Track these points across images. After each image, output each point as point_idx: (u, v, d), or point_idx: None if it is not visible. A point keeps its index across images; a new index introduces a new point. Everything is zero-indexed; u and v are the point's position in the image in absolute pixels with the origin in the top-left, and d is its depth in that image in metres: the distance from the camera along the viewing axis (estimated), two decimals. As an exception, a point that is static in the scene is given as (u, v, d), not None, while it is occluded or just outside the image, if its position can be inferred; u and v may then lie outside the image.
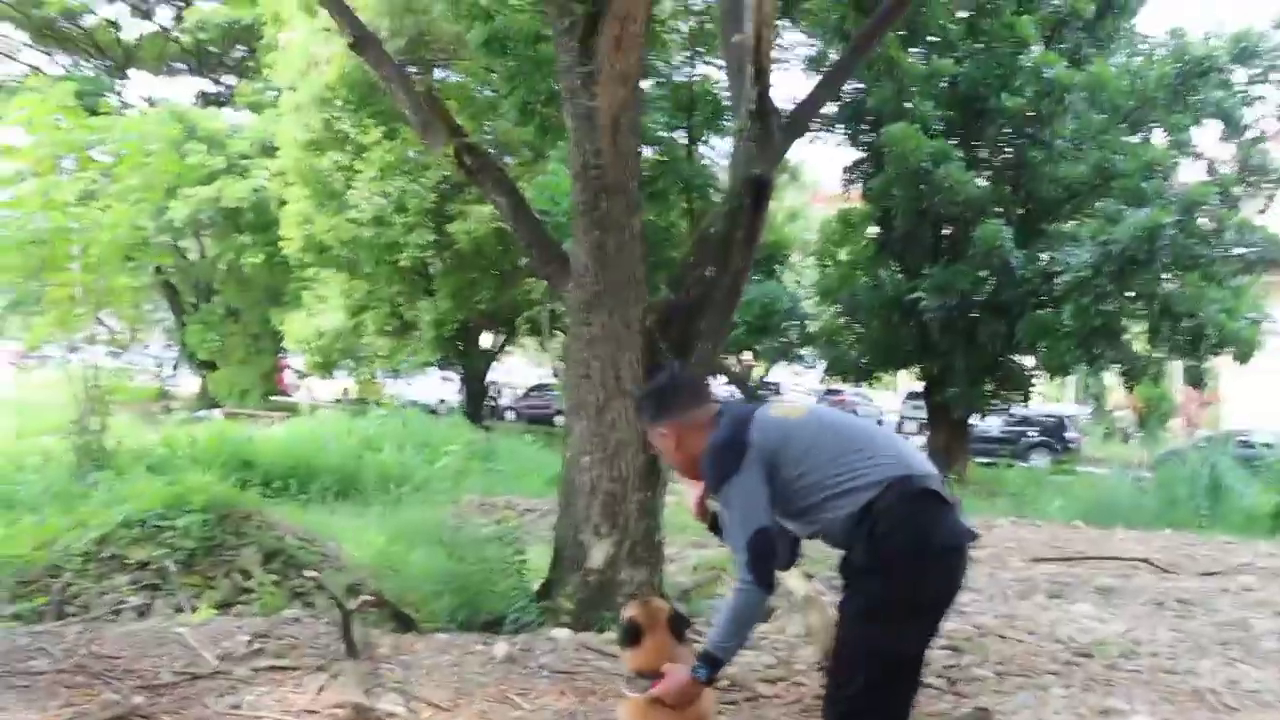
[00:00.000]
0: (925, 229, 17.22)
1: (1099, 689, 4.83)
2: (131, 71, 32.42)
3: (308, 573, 5.03)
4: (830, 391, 36.49)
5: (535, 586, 6.84)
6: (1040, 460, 25.77)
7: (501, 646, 5.05)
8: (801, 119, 7.55)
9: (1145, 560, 9.16)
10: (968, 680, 4.88)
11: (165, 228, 21.99)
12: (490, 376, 27.44)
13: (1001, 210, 16.80)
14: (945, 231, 17.51)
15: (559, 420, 30.25)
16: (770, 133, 6.94)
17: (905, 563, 2.79)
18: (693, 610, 6.03)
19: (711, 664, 2.81)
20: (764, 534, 2.81)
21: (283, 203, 22.38)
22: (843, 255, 20.60)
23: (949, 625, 5.91)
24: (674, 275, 7.29)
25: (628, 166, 6.44)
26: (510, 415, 33.56)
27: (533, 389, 35.89)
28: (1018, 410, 25.66)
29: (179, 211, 22.48)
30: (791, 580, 5.57)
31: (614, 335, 6.36)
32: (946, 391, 17.59)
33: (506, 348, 28.91)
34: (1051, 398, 41.95)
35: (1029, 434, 28.24)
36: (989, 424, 27.02)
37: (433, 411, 23.44)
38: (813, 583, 5.69)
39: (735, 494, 2.85)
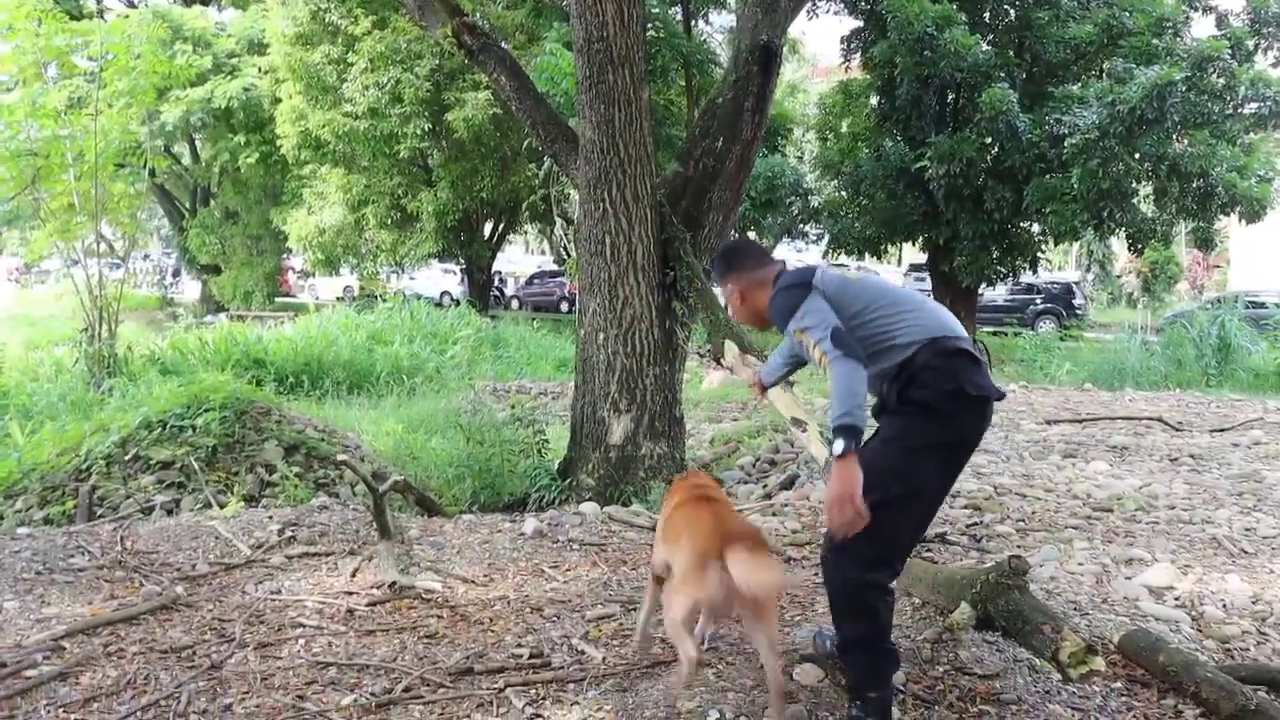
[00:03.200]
0: (929, 96, 16.87)
1: (1120, 540, 4.91)
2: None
3: (339, 457, 5.04)
4: (834, 266, 36.30)
5: (556, 466, 6.93)
6: (1048, 327, 25.82)
7: (530, 522, 5.13)
8: (806, -18, 7.33)
9: (1157, 419, 9.24)
10: (991, 537, 4.96)
11: (158, 132, 21.61)
12: (494, 266, 27.28)
13: (1007, 74, 16.44)
14: (949, 98, 17.16)
15: (564, 307, 30.28)
16: (775, -2, 6.76)
17: (938, 402, 2.91)
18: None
19: (849, 434, 2.73)
20: (840, 330, 2.90)
21: (276, 100, 21.95)
22: (844, 128, 20.27)
23: (968, 485, 6.02)
24: (682, 148, 7.18)
25: (633, 36, 6.29)
26: (515, 304, 33.60)
27: (535, 276, 35.81)
28: (1024, 278, 25.61)
29: (171, 114, 22.08)
30: (814, 447, 5.62)
31: (625, 210, 6.30)
32: (953, 260, 17.49)
33: (509, 236, 28.68)
34: (1055, 265, 41.83)
35: (1036, 302, 28.25)
36: (995, 293, 27.01)
37: (438, 304, 23.45)
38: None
39: (808, 314, 2.95)
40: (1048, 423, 9.22)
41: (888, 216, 17.90)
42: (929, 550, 4.74)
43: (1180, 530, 5.11)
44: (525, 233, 32.76)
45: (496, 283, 32.21)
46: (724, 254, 3.54)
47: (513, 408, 8.96)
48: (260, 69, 22.94)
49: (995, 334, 23.43)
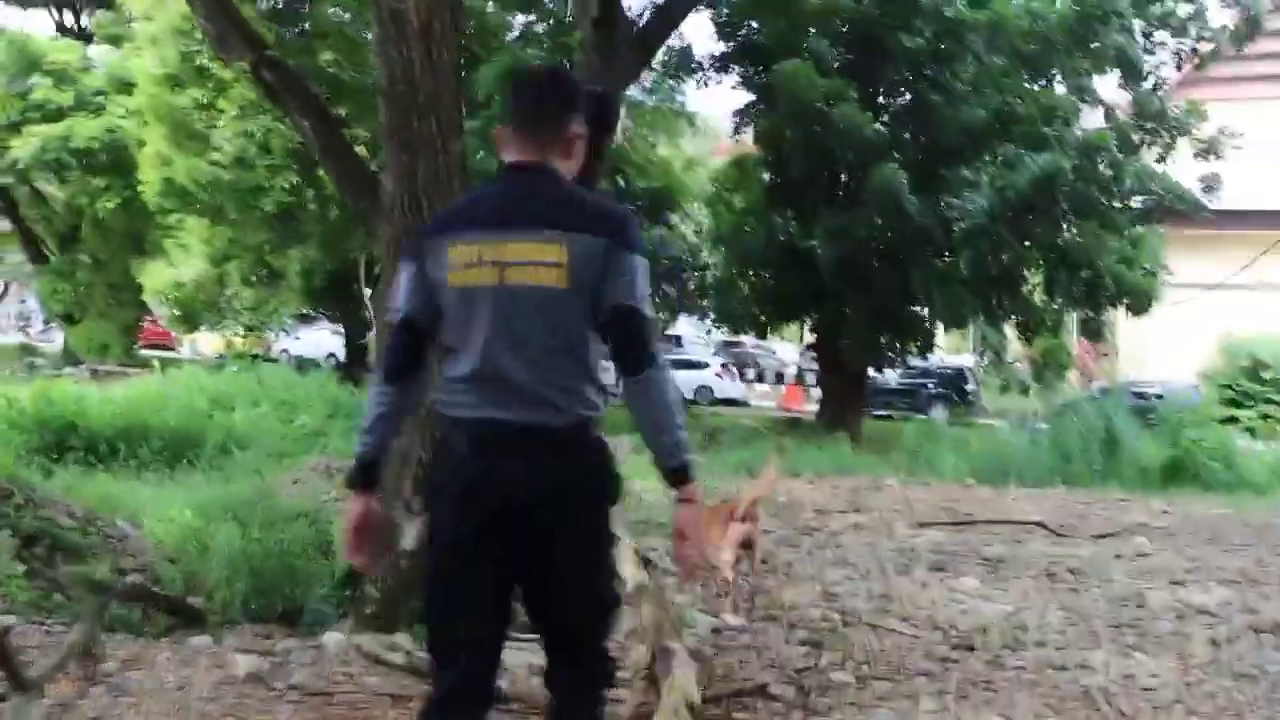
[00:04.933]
0: (820, 173, 16.43)
1: (975, 695, 4.05)
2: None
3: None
4: (729, 343, 35.87)
5: (346, 570, 5.86)
6: (940, 412, 25.50)
7: (244, 661, 4.05)
8: (655, 33, 6.61)
9: (1038, 523, 8.57)
10: (822, 688, 4.06)
11: (7, 169, 20.12)
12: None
13: (900, 156, 16.11)
14: (842, 177, 16.74)
15: None
16: (616, 46, 6.01)
17: None
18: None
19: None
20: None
21: (141, 144, 20.62)
22: (737, 202, 19.77)
23: (811, 614, 5.14)
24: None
25: (443, 80, 5.39)
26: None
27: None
28: (918, 363, 25.36)
29: (23, 150, 20.56)
30: (626, 566, 4.68)
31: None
32: (840, 343, 16.94)
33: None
34: (954, 349, 42.12)
35: (928, 386, 27.97)
36: (888, 376, 26.70)
37: (318, 366, 22.10)
38: (648, 569, 4.79)
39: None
40: (921, 525, 8.46)
41: (775, 294, 17.31)
42: (743, 708, 3.82)
43: (1049, 679, 4.28)
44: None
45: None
46: (559, 78, 2.69)
47: (328, 493, 7.83)
48: (127, 109, 21.59)
49: (885, 418, 22.94)
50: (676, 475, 2.37)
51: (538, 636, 2.58)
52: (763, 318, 18.01)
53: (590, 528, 2.43)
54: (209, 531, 7.40)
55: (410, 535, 5.48)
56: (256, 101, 18.33)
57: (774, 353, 38.89)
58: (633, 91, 22.50)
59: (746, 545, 5.65)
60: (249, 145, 18.19)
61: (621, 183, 18.30)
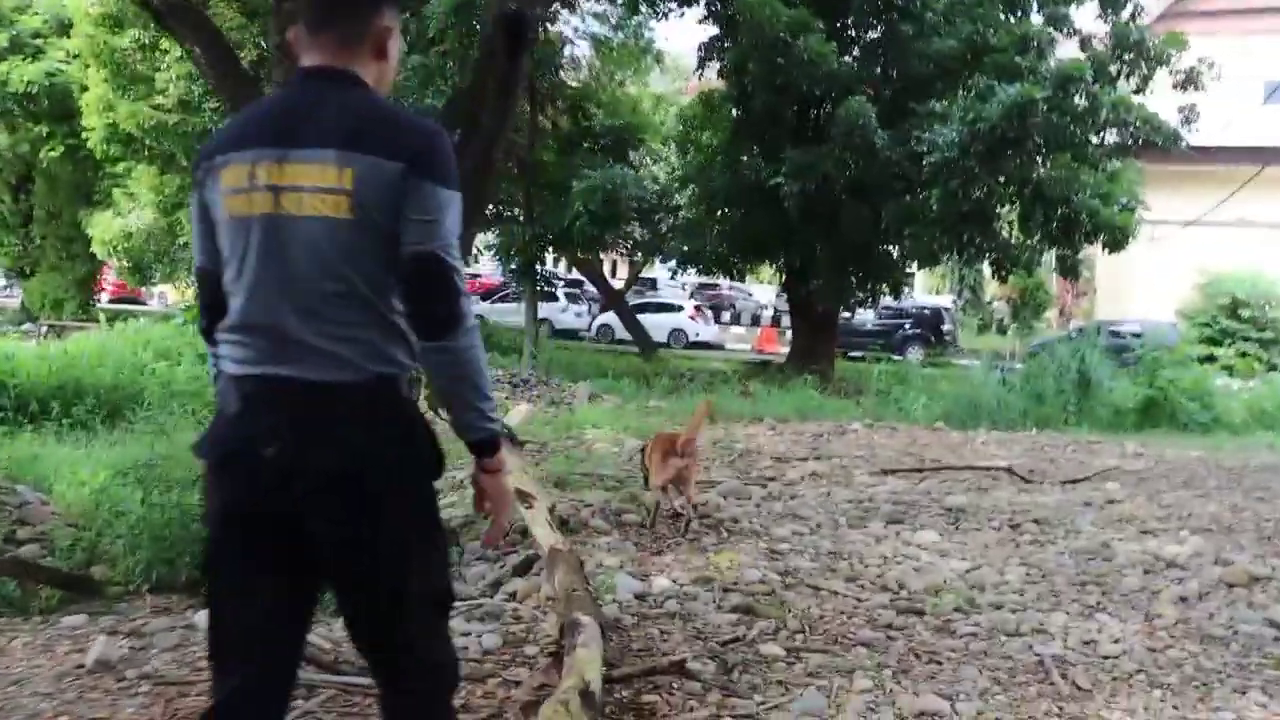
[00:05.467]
0: (785, 109, 15.82)
1: (917, 669, 3.65)
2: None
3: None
4: (705, 286, 35.41)
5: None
6: (915, 354, 25.12)
7: (100, 643, 3.60)
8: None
9: (1006, 469, 8.18)
10: (750, 664, 3.64)
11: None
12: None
13: (871, 91, 15.51)
14: (810, 112, 16.14)
15: None
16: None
17: None
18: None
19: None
20: None
21: (83, 88, 19.78)
22: (705, 140, 19.16)
23: (749, 575, 4.73)
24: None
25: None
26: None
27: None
28: (893, 303, 24.95)
29: (-46, 95, 19.71)
30: (539, 529, 4.25)
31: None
32: (810, 283, 16.46)
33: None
34: (934, 290, 41.74)
35: (904, 327, 27.57)
36: (864, 317, 26.33)
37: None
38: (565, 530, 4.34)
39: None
40: (884, 473, 8.06)
41: (742, 234, 16.76)
42: (654, 688, 3.40)
43: (1000, 649, 3.88)
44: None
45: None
46: None
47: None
48: (67, 52, 20.69)
49: (858, 359, 22.49)
50: (478, 448, 1.99)
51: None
52: (732, 259, 17.46)
53: (401, 514, 1.96)
54: (120, 496, 6.95)
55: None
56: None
57: (750, 295, 38.45)
58: (599, 28, 21.83)
59: (679, 480, 5.57)
60: (193, 87, 17.42)
61: (583, 120, 17.63)
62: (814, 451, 9.18)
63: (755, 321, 35.95)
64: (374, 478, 1.89)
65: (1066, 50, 16.82)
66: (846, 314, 20.89)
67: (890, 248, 16.53)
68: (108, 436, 10.07)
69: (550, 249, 17.59)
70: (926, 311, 28.75)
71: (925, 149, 13.90)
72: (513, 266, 18.68)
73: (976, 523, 6.23)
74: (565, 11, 18.20)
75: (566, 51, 20.50)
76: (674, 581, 4.60)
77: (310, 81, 1.99)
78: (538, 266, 18.27)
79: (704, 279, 29.03)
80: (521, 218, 17.99)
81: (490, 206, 17.65)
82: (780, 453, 9.05)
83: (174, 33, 5.90)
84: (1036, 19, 16.94)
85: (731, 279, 19.33)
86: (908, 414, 13.19)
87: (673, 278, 19.96)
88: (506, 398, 11.71)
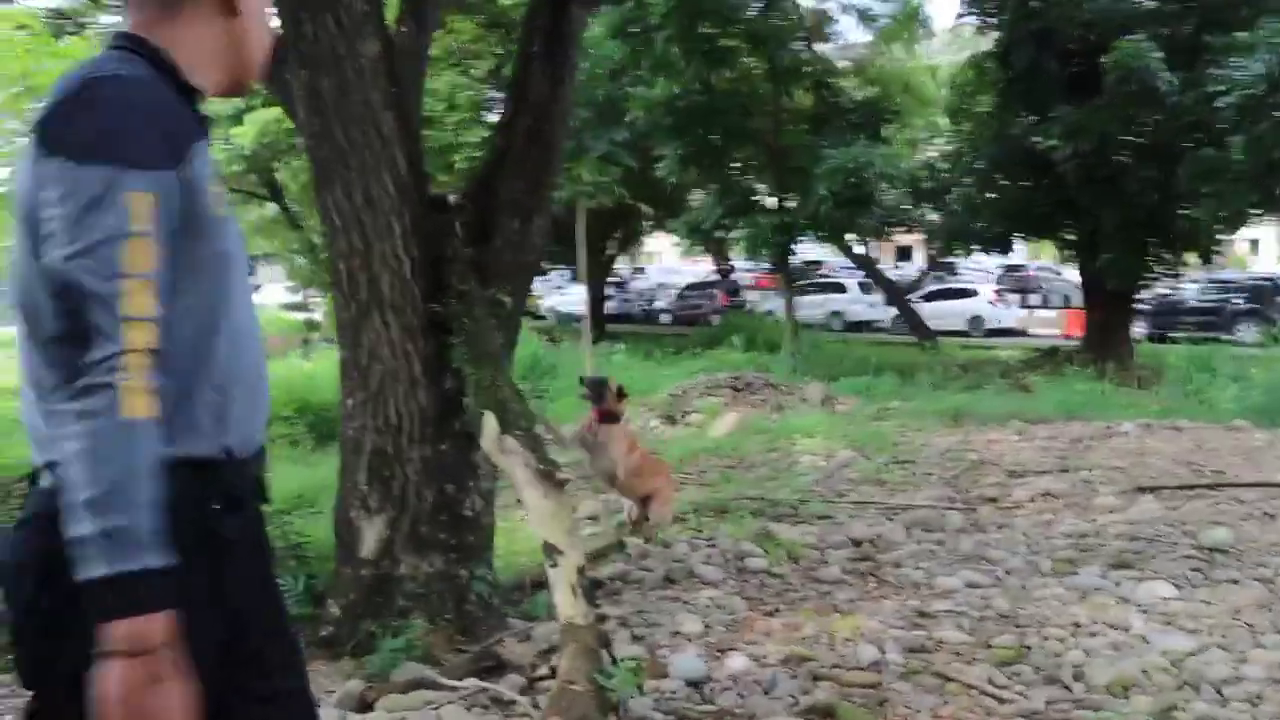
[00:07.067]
0: (1048, 58, 13.73)
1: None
2: None
3: None
4: (1011, 268, 32.88)
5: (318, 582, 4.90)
6: (1249, 333, 21.61)
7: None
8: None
9: (1308, 487, 6.36)
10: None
11: None
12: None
13: (1166, 30, 13.11)
14: (1076, 62, 13.94)
15: (716, 321, 27.52)
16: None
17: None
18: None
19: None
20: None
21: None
22: (978, 107, 17.28)
23: (865, 653, 3.63)
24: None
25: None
26: (668, 318, 31.61)
27: (690, 287, 33.53)
28: (1221, 275, 21.73)
29: None
30: (559, 594, 3.38)
31: (356, 221, 4.24)
32: (1099, 259, 14.32)
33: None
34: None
35: (1232, 301, 23.84)
36: (1187, 293, 23.19)
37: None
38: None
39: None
40: (1139, 491, 6.49)
41: (1012, 207, 14.87)
42: None
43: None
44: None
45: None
46: None
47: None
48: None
49: (1176, 341, 19.41)
50: (89, 596, 1.22)
51: None
52: (997, 234, 15.57)
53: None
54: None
55: (370, 542, 4.50)
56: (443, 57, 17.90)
57: (1059, 274, 35.22)
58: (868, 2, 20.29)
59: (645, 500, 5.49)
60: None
61: (830, 97, 16.38)
62: (1061, 463, 7.62)
63: (1066, 303, 32.83)
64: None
65: None
66: (1164, 290, 18.24)
67: (1189, 210, 14.05)
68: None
69: (800, 237, 16.44)
70: (1261, 282, 24.82)
71: (1222, 88, 11.51)
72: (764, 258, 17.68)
73: (1236, 571, 4.70)
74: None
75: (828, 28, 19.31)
76: (756, 660, 3.59)
77: None
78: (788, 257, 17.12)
79: (1009, 261, 26.68)
80: (772, 206, 17.00)
81: (736, 196, 16.82)
82: (1018, 464, 7.60)
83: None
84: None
85: (1004, 256, 17.33)
86: (1212, 408, 11.03)
87: (966, 257, 18.17)
88: (725, 403, 10.80)
